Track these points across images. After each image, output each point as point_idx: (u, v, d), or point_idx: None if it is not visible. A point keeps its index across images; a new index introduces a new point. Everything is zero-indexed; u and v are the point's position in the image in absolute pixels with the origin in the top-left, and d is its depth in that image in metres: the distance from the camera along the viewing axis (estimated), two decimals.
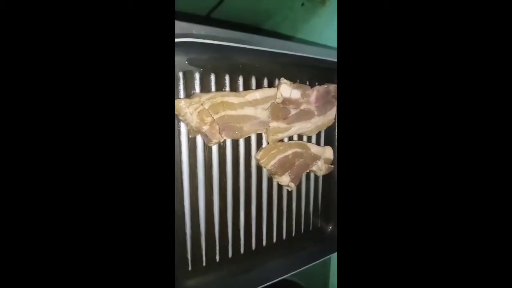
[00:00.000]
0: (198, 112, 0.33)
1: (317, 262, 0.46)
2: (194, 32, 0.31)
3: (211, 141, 0.34)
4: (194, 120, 0.32)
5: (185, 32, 0.30)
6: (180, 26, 0.29)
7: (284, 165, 0.41)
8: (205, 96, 0.33)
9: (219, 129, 0.34)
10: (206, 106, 0.33)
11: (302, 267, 0.44)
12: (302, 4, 0.59)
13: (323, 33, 0.57)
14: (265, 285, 0.40)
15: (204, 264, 0.39)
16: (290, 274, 0.42)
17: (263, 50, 0.35)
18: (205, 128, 0.33)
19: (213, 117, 0.33)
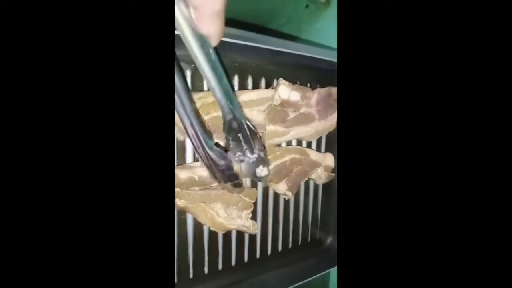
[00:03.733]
0: None
1: (314, 277, 0.43)
2: None
3: None
4: None
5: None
6: None
7: (281, 172, 0.38)
8: (196, 96, 0.31)
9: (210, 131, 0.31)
10: (197, 106, 0.31)
11: (298, 282, 0.41)
12: (307, 6, 0.56)
13: (327, 36, 0.54)
14: None
15: (191, 276, 0.36)
16: None
17: (260, 48, 0.32)
18: None
19: (203, 119, 0.31)
